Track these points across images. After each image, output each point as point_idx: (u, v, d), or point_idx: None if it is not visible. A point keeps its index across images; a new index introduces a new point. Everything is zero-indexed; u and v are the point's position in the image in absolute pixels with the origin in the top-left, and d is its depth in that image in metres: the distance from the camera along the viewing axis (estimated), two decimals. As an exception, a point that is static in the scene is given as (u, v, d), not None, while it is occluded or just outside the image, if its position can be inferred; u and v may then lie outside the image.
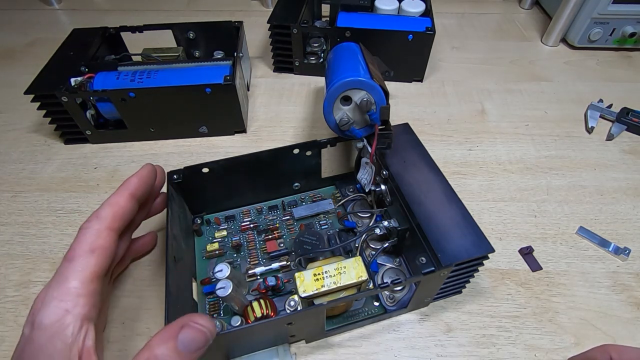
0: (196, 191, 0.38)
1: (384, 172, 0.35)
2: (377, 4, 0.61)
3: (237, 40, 0.53)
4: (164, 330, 0.23)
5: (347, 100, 0.34)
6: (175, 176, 0.35)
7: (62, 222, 0.42)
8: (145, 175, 0.31)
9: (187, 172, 0.36)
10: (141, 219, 0.35)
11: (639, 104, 0.54)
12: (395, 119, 0.40)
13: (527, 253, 0.39)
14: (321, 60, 0.61)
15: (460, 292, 0.36)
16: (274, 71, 0.63)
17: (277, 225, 0.40)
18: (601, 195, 0.45)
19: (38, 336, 0.23)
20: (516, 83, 0.61)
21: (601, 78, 0.62)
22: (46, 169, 0.48)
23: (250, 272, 0.36)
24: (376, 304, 0.34)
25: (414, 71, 0.60)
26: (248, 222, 0.40)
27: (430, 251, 0.29)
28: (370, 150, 0.34)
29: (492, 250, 0.29)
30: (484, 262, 0.30)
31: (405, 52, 0.56)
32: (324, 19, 0.67)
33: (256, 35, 0.70)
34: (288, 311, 0.30)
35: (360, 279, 0.29)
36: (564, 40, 0.68)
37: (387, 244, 0.35)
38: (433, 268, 0.29)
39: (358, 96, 0.34)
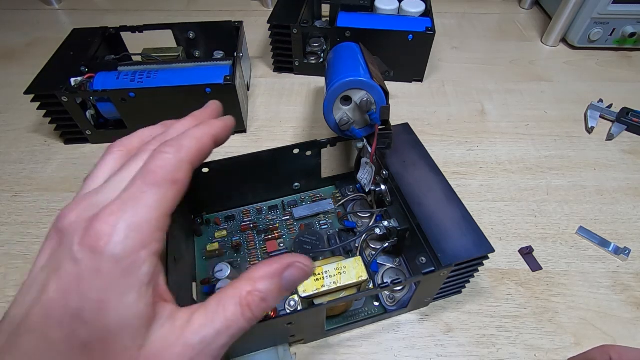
0: (196, 191, 0.38)
1: (384, 172, 0.35)
2: (377, 4, 0.61)
3: (237, 40, 0.53)
4: (268, 266, 0.21)
5: (347, 100, 0.34)
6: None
7: (62, 222, 0.42)
8: (230, 126, 0.24)
9: (187, 172, 0.36)
10: None
11: (639, 104, 0.54)
12: (395, 119, 0.40)
13: (527, 253, 0.39)
14: (321, 60, 0.61)
15: (460, 292, 0.36)
16: (274, 71, 0.63)
17: (277, 225, 0.40)
18: (601, 195, 0.45)
19: (108, 268, 0.18)
20: (516, 83, 0.61)
21: (601, 78, 0.62)
22: (46, 169, 0.48)
23: (250, 272, 0.36)
24: (376, 304, 0.34)
25: (414, 71, 0.60)
26: (248, 222, 0.40)
27: (430, 251, 0.29)
28: (370, 150, 0.34)
29: (492, 250, 0.29)
30: (484, 262, 0.30)
31: (405, 52, 0.56)
32: (324, 19, 0.67)
33: (256, 35, 0.70)
34: (288, 311, 0.30)
35: (360, 279, 0.29)
36: (564, 40, 0.68)
37: (387, 244, 0.35)
38: (433, 268, 0.29)
39: (358, 96, 0.34)
